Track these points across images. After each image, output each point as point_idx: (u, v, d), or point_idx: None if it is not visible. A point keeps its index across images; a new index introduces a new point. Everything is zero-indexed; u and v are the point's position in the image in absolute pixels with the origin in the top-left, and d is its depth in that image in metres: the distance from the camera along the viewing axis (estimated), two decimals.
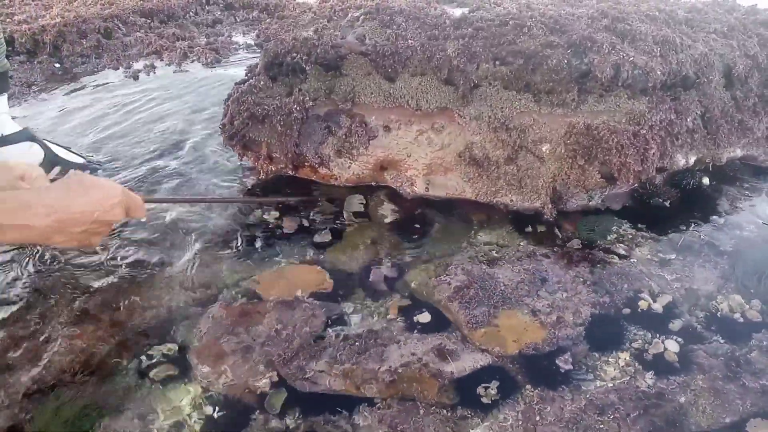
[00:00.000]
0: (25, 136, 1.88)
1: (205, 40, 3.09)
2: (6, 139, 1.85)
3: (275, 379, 1.26)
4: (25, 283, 1.48)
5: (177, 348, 1.34)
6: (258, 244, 1.64)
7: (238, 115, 1.73)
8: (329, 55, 1.73)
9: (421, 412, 1.17)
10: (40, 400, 1.20)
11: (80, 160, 1.93)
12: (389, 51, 1.68)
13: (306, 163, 1.75)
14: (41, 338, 1.32)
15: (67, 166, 1.88)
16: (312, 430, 1.17)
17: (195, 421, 1.20)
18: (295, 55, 1.73)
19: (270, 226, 1.70)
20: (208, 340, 1.36)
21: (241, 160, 1.86)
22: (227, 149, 1.94)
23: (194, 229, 1.70)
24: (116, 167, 1.98)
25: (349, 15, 1.85)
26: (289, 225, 1.70)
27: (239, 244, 1.64)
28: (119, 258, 1.57)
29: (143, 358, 1.32)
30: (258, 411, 1.21)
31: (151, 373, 1.28)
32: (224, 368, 1.29)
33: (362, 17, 1.81)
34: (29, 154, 1.87)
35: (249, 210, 1.76)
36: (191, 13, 3.48)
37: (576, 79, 1.60)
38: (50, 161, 1.87)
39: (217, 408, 1.22)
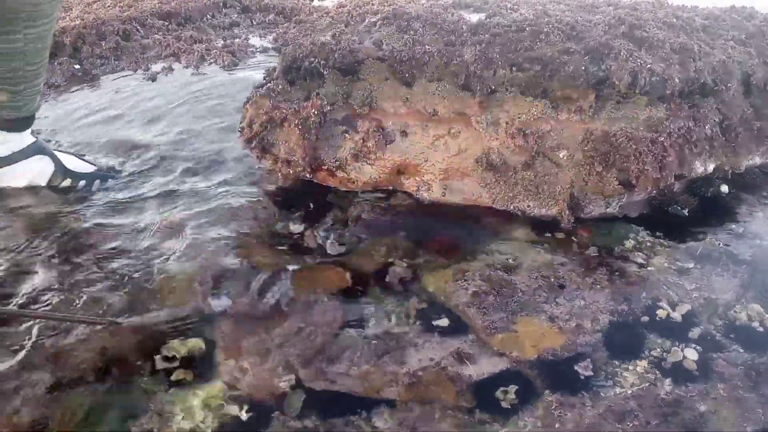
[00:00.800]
0: (35, 149, 1.90)
1: (222, 42, 3.11)
2: (17, 155, 1.87)
3: (294, 379, 1.27)
4: (46, 279, 1.51)
5: (200, 347, 1.35)
6: (278, 248, 1.65)
7: (257, 118, 1.75)
8: (347, 59, 1.74)
9: (439, 415, 1.18)
10: (62, 398, 1.22)
11: (91, 168, 1.95)
12: (406, 56, 1.69)
13: (323, 167, 1.76)
14: (63, 335, 1.34)
15: (77, 177, 1.90)
16: (331, 431, 1.18)
17: (215, 421, 1.21)
18: (313, 59, 1.75)
19: (294, 238, 1.71)
20: (230, 340, 1.37)
21: (260, 164, 1.87)
22: (245, 153, 1.96)
23: (215, 228, 1.72)
24: (131, 172, 2.00)
25: (366, 20, 1.86)
26: (305, 228, 1.71)
27: (261, 248, 1.65)
28: (143, 257, 1.58)
29: (165, 356, 1.33)
30: (278, 412, 1.22)
31: (173, 372, 1.30)
32: (246, 368, 1.30)
33: (379, 22, 1.82)
34: (40, 167, 1.89)
35: (273, 219, 1.77)
36: (208, 16, 3.50)
37: (593, 85, 1.60)
38: (61, 173, 1.90)
39: (239, 408, 1.23)
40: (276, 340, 1.35)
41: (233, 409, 1.23)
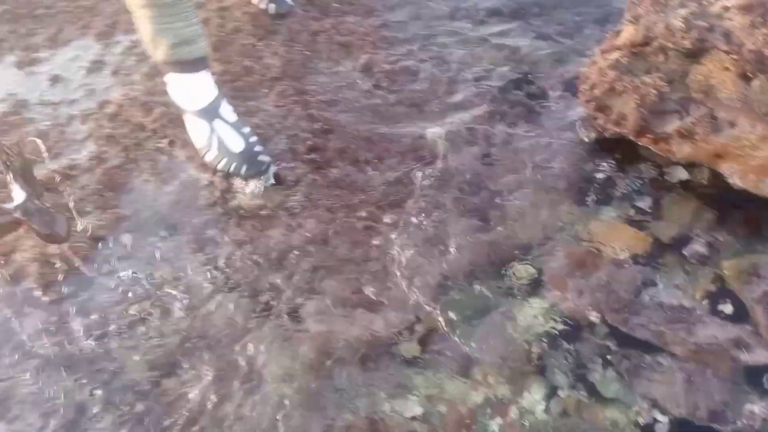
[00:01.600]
0: None
1: None
2: None
3: (601, 317, 1.77)
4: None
5: (534, 272, 1.90)
6: (589, 193, 2.08)
7: (599, 85, 2.07)
8: (694, 46, 1.95)
9: (711, 377, 1.63)
10: (445, 293, 1.86)
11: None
12: (756, 55, 1.85)
13: (648, 134, 2.07)
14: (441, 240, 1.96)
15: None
16: (627, 355, 1.69)
17: (543, 329, 1.78)
18: (662, 41, 1.98)
19: (599, 179, 2.12)
20: (555, 271, 1.89)
21: (591, 115, 2.21)
22: (567, 97, 2.33)
23: (534, 163, 2.17)
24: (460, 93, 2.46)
25: (719, 4, 1.98)
26: (618, 184, 2.09)
27: (574, 189, 2.09)
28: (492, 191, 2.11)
29: (507, 272, 1.90)
30: (588, 333, 1.75)
31: (514, 286, 1.87)
32: (566, 297, 1.83)
33: (735, 9, 1.95)
34: None
35: (586, 159, 2.18)
36: None
37: None
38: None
39: (559, 323, 1.78)
40: (591, 284, 1.85)
41: (554, 323, 1.79)
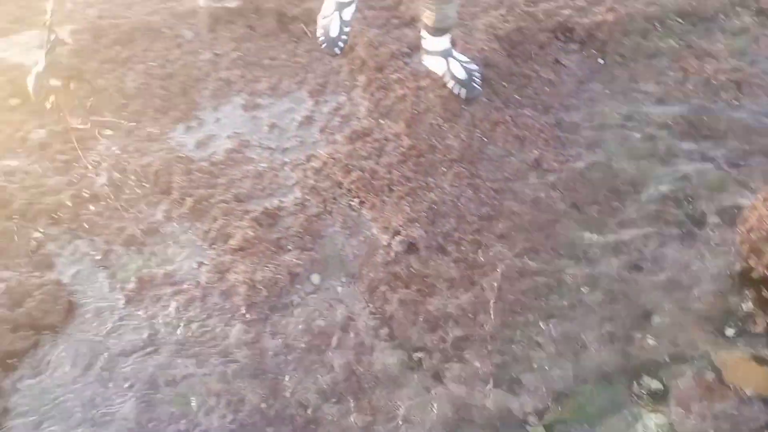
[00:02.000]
0: None
1: (731, 63, 3.33)
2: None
3: None
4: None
5: (661, 388, 2.09)
6: (728, 324, 2.23)
7: (757, 230, 2.22)
8: None
9: None
10: (576, 388, 2.09)
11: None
12: None
13: None
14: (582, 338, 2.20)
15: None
16: None
17: None
18: None
19: (741, 313, 2.26)
20: (682, 392, 2.07)
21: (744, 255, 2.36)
22: (722, 226, 2.50)
23: (680, 284, 2.35)
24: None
25: None
26: (759, 322, 2.23)
27: (715, 317, 2.25)
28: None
29: (636, 382, 2.11)
30: None
31: (641, 395, 2.07)
32: (688, 419, 2.00)
33: None
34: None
35: (732, 290, 2.32)
36: (721, 17, 3.68)
37: None
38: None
39: None
40: (715, 412, 2.01)
41: None
